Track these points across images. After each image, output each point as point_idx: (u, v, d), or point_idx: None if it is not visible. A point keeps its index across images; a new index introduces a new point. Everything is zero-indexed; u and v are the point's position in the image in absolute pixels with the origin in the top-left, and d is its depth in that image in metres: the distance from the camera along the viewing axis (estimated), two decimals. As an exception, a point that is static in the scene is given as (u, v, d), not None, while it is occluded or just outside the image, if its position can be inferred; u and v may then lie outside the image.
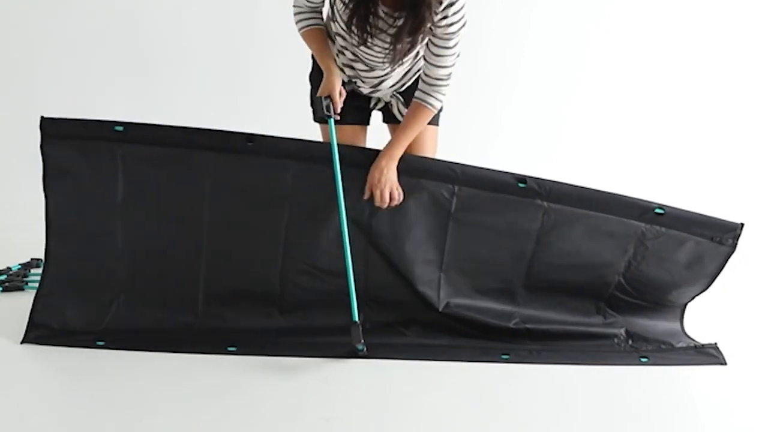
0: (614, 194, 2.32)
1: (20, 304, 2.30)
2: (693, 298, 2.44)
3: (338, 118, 2.22)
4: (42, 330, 2.21)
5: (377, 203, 2.22)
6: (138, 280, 2.28)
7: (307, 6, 2.24)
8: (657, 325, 2.41)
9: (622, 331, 2.36)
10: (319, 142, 2.37)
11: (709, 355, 2.29)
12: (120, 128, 2.19)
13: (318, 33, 2.24)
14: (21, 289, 2.59)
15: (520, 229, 2.32)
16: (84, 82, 3.85)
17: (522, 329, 2.33)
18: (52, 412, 1.88)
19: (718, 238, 2.33)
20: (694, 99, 4.09)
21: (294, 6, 2.26)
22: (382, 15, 2.05)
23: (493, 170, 2.30)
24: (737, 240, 2.33)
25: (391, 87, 2.34)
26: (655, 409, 1.99)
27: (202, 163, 2.22)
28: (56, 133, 2.19)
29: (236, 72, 3.97)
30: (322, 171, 2.21)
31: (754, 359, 2.29)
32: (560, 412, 1.95)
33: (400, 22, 2.02)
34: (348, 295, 2.14)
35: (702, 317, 2.49)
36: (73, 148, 2.19)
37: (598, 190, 2.32)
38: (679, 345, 2.34)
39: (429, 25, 2.02)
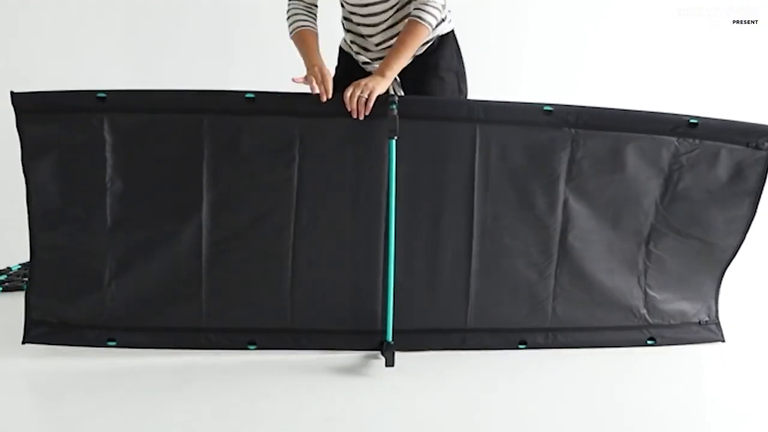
0: (643, 111, 2.18)
1: (21, 304, 2.15)
2: (740, 242, 2.26)
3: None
4: (42, 327, 2.11)
5: (346, 100, 2.03)
6: (130, 266, 2.11)
7: (303, 4, 2.24)
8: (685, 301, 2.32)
9: (641, 303, 2.27)
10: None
11: (710, 331, 2.33)
12: (103, 95, 2.02)
13: (310, 34, 2.23)
14: (21, 289, 2.52)
15: (551, 161, 2.15)
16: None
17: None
18: (52, 413, 1.84)
19: (754, 142, 2.19)
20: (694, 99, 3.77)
21: (289, 8, 2.25)
22: None
23: (518, 102, 2.16)
24: (775, 142, 2.18)
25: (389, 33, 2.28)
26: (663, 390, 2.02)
27: (198, 129, 2.05)
28: (32, 108, 2.02)
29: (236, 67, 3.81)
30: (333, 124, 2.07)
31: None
32: (571, 409, 1.91)
33: None
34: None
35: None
36: (54, 123, 2.03)
37: (627, 110, 2.17)
38: (689, 320, 2.32)
39: None
